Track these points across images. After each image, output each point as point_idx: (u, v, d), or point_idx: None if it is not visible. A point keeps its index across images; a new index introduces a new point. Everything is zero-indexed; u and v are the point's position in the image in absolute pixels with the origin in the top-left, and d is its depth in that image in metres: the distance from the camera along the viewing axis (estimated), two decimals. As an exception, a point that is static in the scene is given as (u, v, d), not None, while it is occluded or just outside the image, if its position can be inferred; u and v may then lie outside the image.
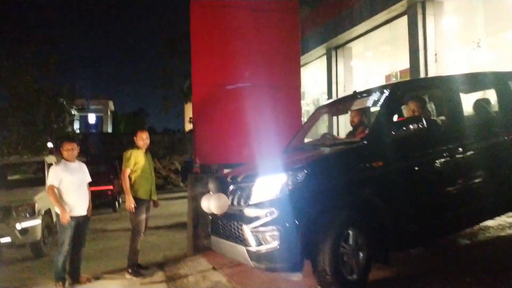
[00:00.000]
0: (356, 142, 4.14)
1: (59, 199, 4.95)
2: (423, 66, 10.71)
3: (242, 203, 3.84)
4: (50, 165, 7.83)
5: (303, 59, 16.68)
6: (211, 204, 4.04)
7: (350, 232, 3.59)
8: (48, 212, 7.37)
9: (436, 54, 10.52)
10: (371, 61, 14.57)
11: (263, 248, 3.52)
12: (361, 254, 3.63)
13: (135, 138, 5.56)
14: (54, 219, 6.99)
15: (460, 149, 4.23)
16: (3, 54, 10.18)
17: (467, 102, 5.36)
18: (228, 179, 4.23)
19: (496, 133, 4.64)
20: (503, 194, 4.50)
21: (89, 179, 5.36)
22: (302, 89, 19.65)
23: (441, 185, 4.16)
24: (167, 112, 19.36)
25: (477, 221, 4.78)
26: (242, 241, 3.73)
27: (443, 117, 4.74)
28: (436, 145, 4.19)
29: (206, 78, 6.54)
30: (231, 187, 4.08)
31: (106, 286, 4.98)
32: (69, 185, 5.01)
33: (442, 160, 4.18)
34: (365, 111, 5.03)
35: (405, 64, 11.32)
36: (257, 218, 3.58)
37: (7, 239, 6.75)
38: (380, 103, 4.15)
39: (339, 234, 3.50)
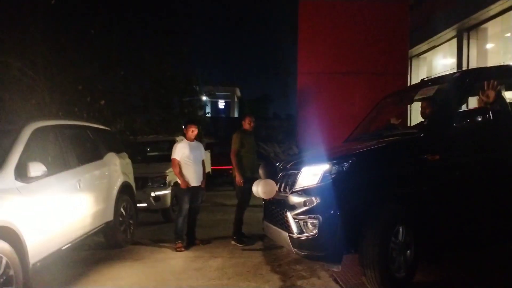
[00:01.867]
0: (412, 133, 3.95)
1: (180, 171, 5.87)
2: None
3: (287, 190, 3.91)
4: (180, 143, 9.07)
5: (430, 42, 15.68)
6: (259, 189, 4.17)
7: (400, 228, 3.49)
8: (176, 184, 8.55)
9: None
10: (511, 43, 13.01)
11: (304, 236, 3.55)
12: (409, 251, 3.54)
13: (243, 122, 6.23)
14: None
15: None
16: (145, 46, 11.82)
17: None
18: (280, 166, 4.32)
19: None
20: None
21: (204, 157, 6.20)
22: (429, 74, 18.55)
23: (508, 186, 3.76)
24: (286, 98, 20.06)
25: None
26: (286, 227, 3.78)
27: None
28: (507, 142, 3.80)
29: (310, 67, 6.89)
30: (280, 174, 4.17)
31: (213, 249, 5.77)
32: (187, 160, 5.88)
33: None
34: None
35: (551, 46, 9.95)
36: (299, 205, 3.61)
37: (144, 204, 8.04)
38: (447, 92, 3.91)
39: (388, 229, 3.41)
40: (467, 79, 3.94)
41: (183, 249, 5.72)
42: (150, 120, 13.93)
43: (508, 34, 12.99)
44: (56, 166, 4.76)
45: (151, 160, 9.34)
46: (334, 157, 3.77)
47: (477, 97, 4.12)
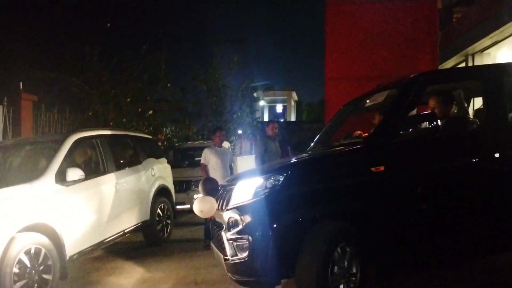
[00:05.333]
0: (355, 143, 3.59)
1: (208, 174, 6.32)
2: None
3: (223, 207, 3.53)
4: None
5: (493, 37, 14.72)
6: (196, 207, 3.77)
7: (342, 248, 3.12)
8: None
9: None
10: None
11: (235, 259, 3.23)
12: (354, 275, 3.17)
13: (266, 128, 6.55)
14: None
15: (497, 156, 3.41)
16: (199, 57, 12.68)
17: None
18: (225, 181, 4.10)
19: None
20: None
21: (231, 161, 6.59)
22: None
23: (466, 197, 3.43)
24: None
25: (506, 248, 3.70)
26: (222, 249, 3.45)
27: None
28: (461, 150, 3.48)
29: (338, 72, 7.02)
30: (221, 190, 3.82)
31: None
32: (215, 165, 6.31)
33: (468, 167, 3.46)
34: None
35: None
36: (231, 224, 3.30)
37: (187, 206, 8.57)
38: (395, 97, 3.61)
39: (328, 250, 3.04)
40: (418, 83, 3.56)
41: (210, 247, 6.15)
42: (204, 126, 14.77)
43: None
44: (95, 171, 5.44)
45: (196, 165, 9.94)
46: (268, 170, 3.51)
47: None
